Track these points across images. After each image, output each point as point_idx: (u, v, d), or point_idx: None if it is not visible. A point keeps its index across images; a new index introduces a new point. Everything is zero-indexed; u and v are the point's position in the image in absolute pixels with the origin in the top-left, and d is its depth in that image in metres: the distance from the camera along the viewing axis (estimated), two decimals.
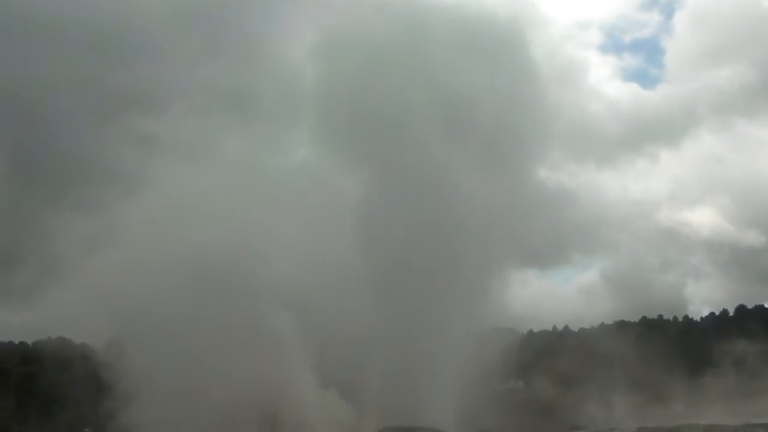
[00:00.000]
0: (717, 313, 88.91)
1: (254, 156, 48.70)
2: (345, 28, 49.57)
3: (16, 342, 66.42)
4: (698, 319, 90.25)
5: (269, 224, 43.49)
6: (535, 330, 79.55)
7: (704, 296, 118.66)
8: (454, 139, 47.97)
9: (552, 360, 60.78)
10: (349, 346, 41.71)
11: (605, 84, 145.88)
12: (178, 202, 43.95)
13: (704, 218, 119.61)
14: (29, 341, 66.32)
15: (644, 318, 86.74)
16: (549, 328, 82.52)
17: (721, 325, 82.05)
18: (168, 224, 43.20)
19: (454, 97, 48.08)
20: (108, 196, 48.21)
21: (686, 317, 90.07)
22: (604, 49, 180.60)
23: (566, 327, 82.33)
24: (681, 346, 71.71)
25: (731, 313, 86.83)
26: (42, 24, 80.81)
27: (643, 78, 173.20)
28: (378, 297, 43.98)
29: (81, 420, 44.36)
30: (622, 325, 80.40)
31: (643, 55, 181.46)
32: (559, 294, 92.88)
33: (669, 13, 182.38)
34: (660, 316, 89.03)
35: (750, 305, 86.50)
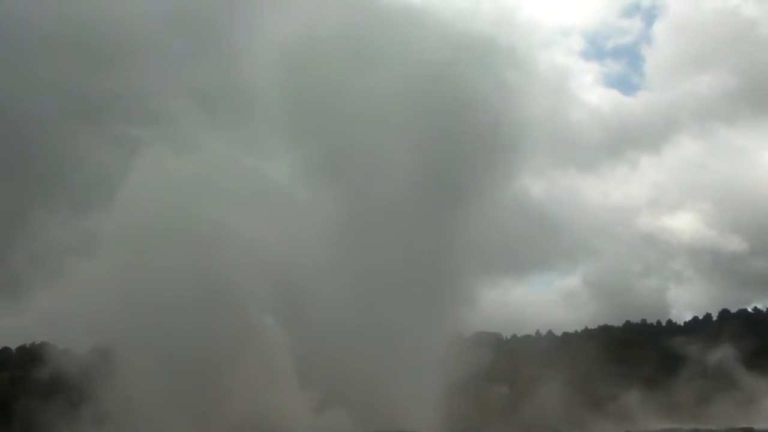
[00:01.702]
0: (701, 317, 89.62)
1: (234, 158, 48.58)
2: (324, 32, 49.67)
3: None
4: (682, 324, 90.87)
5: (250, 227, 43.40)
6: (519, 335, 79.95)
7: (686, 301, 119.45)
8: (435, 145, 48.12)
9: (535, 364, 61.00)
10: (333, 351, 41.75)
11: (587, 90, 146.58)
12: (161, 205, 43.87)
13: (685, 224, 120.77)
14: (12, 346, 66.11)
15: (628, 322, 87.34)
16: (532, 332, 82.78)
17: (703, 328, 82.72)
18: (152, 230, 43.13)
19: (434, 102, 48.27)
20: (92, 199, 48.01)
21: (669, 321, 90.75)
22: (586, 55, 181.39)
23: (550, 331, 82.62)
24: (664, 350, 72.27)
25: (714, 318, 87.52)
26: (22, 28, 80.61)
27: (625, 84, 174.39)
28: (359, 301, 44.11)
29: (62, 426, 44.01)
30: (605, 330, 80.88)
31: (624, 62, 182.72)
32: (542, 299, 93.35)
33: (650, 20, 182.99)
34: (643, 320, 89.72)
35: (733, 309, 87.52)
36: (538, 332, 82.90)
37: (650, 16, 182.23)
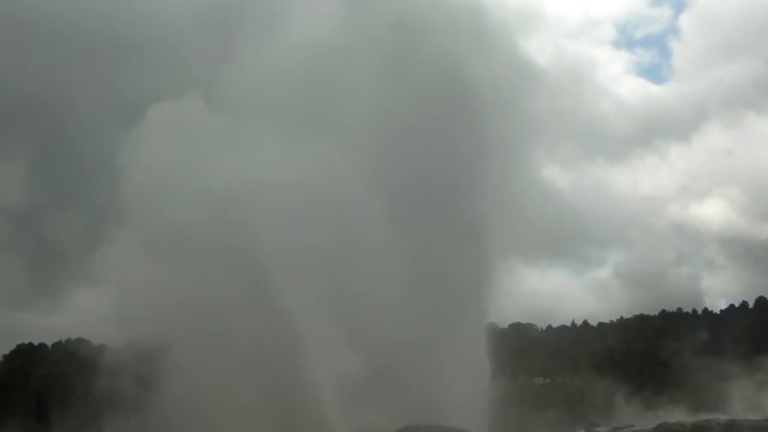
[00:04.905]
0: (737, 305, 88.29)
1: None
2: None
3: (36, 343, 66.57)
4: (718, 312, 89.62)
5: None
6: (554, 325, 79.35)
7: (720, 289, 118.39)
8: (460, 135, 47.63)
9: (573, 355, 60.47)
10: (374, 343, 41.23)
11: (617, 80, 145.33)
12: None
13: (716, 212, 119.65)
14: (49, 343, 66.61)
15: (663, 311, 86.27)
16: (568, 323, 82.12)
17: (740, 316, 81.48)
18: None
19: (457, 88, 47.73)
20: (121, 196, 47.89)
21: (705, 310, 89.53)
22: (616, 44, 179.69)
23: (585, 322, 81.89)
24: (703, 339, 71.17)
25: (751, 305, 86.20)
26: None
27: (654, 74, 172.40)
28: (401, 291, 43.60)
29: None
30: (641, 319, 79.86)
31: (653, 51, 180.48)
32: (575, 290, 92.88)
33: (679, 9, 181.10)
34: (679, 309, 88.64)
35: None
36: (573, 323, 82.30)
37: (679, 4, 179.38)
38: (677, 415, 50.07)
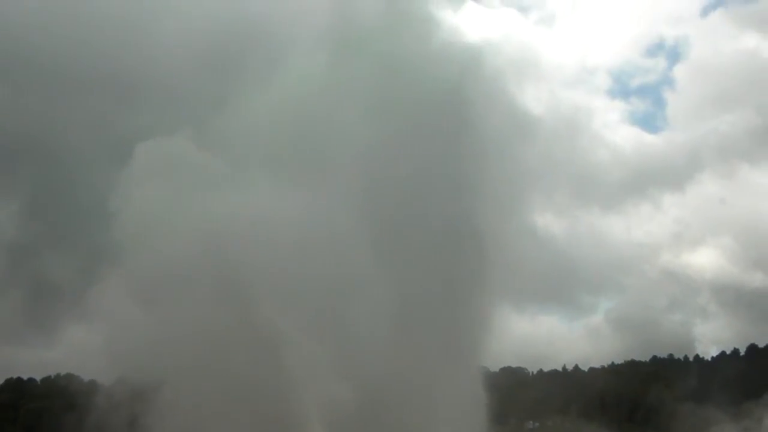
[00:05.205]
0: (728, 352, 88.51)
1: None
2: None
3: (25, 378, 66.38)
4: (709, 359, 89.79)
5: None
6: (545, 369, 79.39)
7: (712, 336, 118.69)
8: (453, 176, 48.21)
9: (563, 399, 60.42)
10: (364, 377, 41.25)
11: (612, 128, 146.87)
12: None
13: (708, 260, 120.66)
14: (38, 377, 66.38)
15: (655, 357, 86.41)
16: (559, 368, 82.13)
17: (731, 363, 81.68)
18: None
19: (451, 129, 48.41)
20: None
21: (697, 356, 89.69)
22: (611, 93, 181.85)
23: (576, 366, 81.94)
24: (694, 385, 71.26)
25: (742, 353, 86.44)
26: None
27: (649, 123, 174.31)
28: (393, 324, 43.76)
29: None
30: (632, 365, 79.99)
31: (648, 101, 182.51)
32: (567, 335, 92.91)
33: (674, 59, 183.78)
34: (670, 355, 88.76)
35: (761, 344, 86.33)
36: (564, 367, 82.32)
37: (674, 55, 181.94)
38: None
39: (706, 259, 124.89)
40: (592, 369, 79.54)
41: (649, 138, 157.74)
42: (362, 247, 44.47)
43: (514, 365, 69.23)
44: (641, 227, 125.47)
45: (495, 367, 55.52)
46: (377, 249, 44.79)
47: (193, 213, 44.22)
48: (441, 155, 48.16)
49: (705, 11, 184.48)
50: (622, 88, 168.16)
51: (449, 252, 47.31)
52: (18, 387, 63.25)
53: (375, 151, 47.63)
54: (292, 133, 47.56)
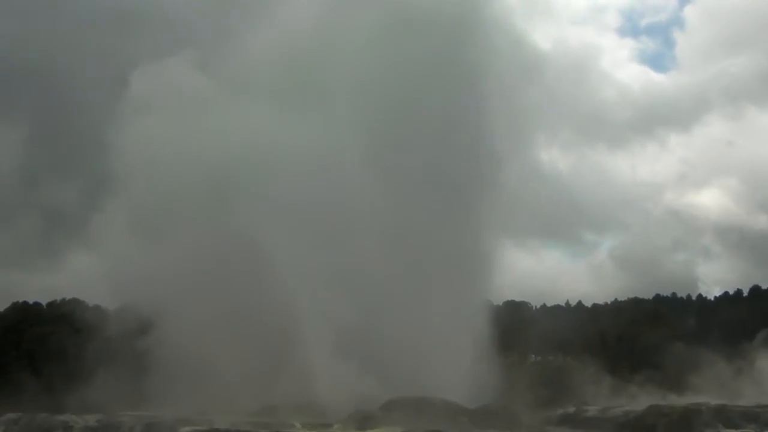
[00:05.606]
0: (731, 292, 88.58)
1: None
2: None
3: (31, 302, 66.60)
4: (712, 298, 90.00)
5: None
6: (549, 305, 79.60)
7: (715, 277, 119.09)
8: (457, 113, 47.66)
9: (565, 335, 60.47)
10: (367, 317, 41.34)
11: (620, 67, 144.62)
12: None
13: (713, 201, 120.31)
14: (44, 302, 66.64)
15: (658, 296, 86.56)
16: (562, 303, 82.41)
17: (734, 304, 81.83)
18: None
19: (454, 65, 47.77)
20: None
21: (700, 296, 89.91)
22: (621, 32, 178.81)
23: (579, 302, 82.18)
24: (696, 325, 71.51)
25: (745, 293, 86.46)
26: None
27: (657, 62, 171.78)
28: (394, 266, 43.74)
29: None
30: (635, 302, 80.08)
31: (658, 40, 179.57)
32: (570, 270, 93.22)
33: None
34: (673, 294, 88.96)
35: (764, 286, 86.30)
36: (567, 303, 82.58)
37: None
38: (670, 398, 50.40)
39: (711, 200, 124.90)
40: (595, 305, 79.83)
41: (657, 77, 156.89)
42: (364, 174, 44.25)
43: (517, 299, 69.63)
44: (647, 166, 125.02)
45: (498, 300, 55.97)
46: (378, 176, 44.64)
47: (192, 142, 43.87)
48: (442, 86, 47.61)
49: None
50: (632, 26, 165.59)
51: (448, 183, 47.20)
52: (23, 310, 63.48)
53: (377, 82, 47.06)
54: (294, 63, 46.94)
